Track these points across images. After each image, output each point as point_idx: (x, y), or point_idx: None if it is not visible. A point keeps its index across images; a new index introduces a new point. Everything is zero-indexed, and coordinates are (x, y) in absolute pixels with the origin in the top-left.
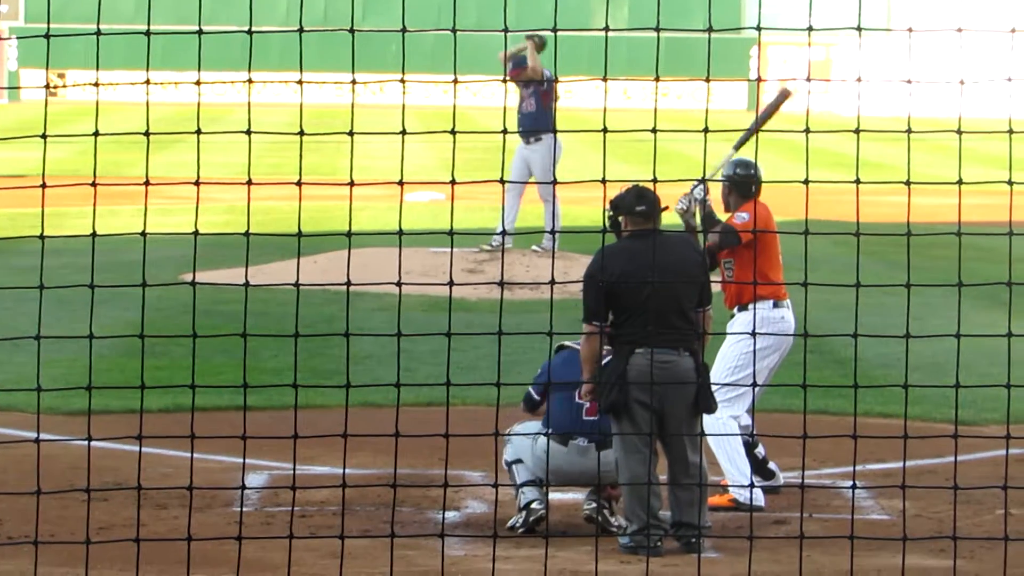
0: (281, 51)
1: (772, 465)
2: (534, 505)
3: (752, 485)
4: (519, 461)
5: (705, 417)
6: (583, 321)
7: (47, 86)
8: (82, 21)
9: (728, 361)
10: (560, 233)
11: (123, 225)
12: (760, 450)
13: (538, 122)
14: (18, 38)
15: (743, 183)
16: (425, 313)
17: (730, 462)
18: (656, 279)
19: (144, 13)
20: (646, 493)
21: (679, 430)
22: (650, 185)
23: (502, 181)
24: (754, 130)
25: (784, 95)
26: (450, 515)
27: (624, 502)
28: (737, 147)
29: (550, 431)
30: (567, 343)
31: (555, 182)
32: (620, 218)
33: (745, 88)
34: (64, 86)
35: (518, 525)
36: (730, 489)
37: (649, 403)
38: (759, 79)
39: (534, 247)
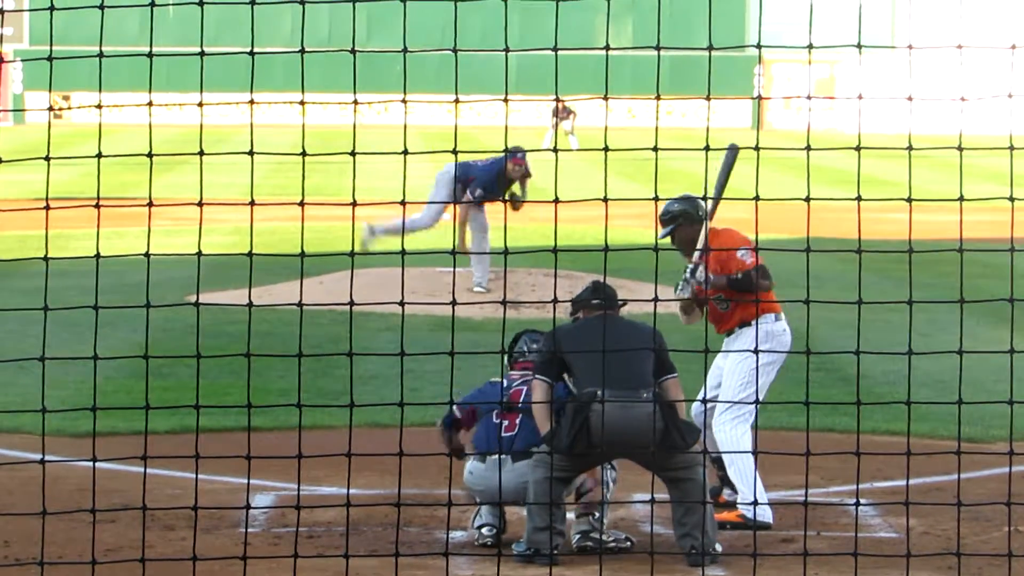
0: (285, 72)
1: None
2: (484, 530)
3: (756, 503)
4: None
5: (719, 433)
6: (533, 375)
7: (50, 108)
8: (87, 43)
9: (738, 377)
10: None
11: (129, 247)
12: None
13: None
14: (23, 60)
15: (687, 216)
16: (432, 333)
17: (740, 478)
18: (611, 341)
19: (151, 35)
20: (549, 508)
21: (660, 464)
22: (652, 203)
23: (504, 200)
24: (718, 197)
25: (734, 151)
26: (457, 535)
27: (527, 514)
28: (709, 217)
29: (474, 452)
30: (493, 379)
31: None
32: (580, 312)
33: (750, 106)
34: (69, 108)
35: (476, 542)
36: (738, 505)
37: (601, 448)
38: (759, 96)
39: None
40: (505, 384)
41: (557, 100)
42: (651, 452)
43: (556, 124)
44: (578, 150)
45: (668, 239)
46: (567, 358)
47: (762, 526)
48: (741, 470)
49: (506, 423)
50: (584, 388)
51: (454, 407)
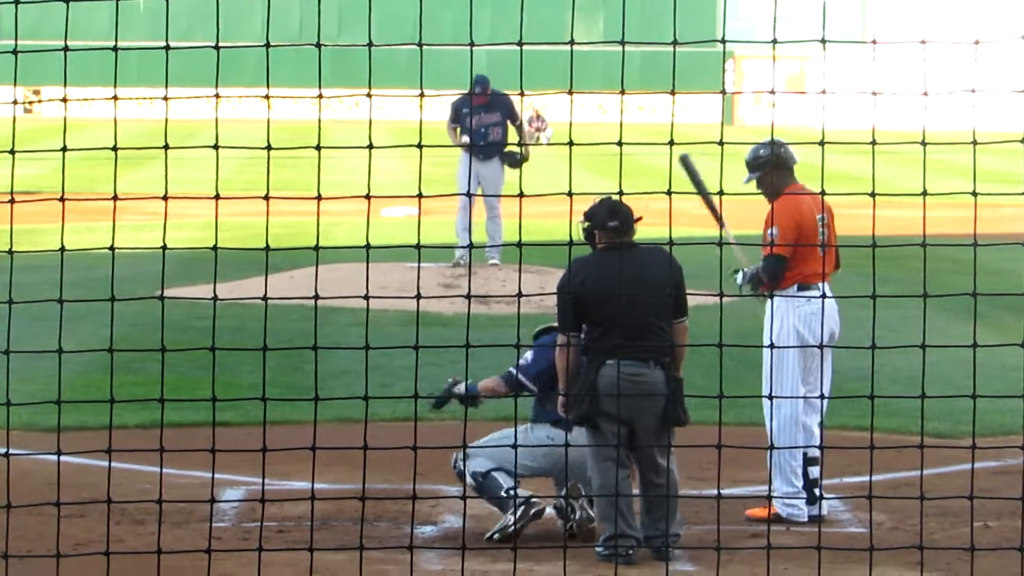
0: (257, 67)
1: (818, 492)
2: (533, 499)
3: (769, 498)
4: (497, 469)
5: (771, 421)
6: (558, 332)
7: (15, 102)
8: (58, 37)
9: (766, 366)
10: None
11: (99, 241)
12: (815, 470)
13: (500, 145)
14: None
15: (776, 164)
16: (402, 328)
17: (779, 472)
18: (625, 292)
19: (122, 29)
20: (618, 502)
21: (649, 441)
22: (617, 198)
23: (468, 194)
24: (711, 205)
25: (685, 161)
26: (428, 529)
27: (597, 511)
28: (722, 224)
29: (556, 420)
30: (551, 325)
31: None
32: (595, 231)
33: (720, 101)
34: (39, 101)
35: (510, 524)
36: (774, 503)
37: (617, 415)
38: (723, 91)
39: (492, 261)
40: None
41: (520, 95)
42: (658, 418)
43: (531, 133)
44: (548, 144)
45: (753, 183)
46: (585, 304)
47: (799, 522)
48: (779, 463)
49: None
50: (595, 340)
51: (520, 376)
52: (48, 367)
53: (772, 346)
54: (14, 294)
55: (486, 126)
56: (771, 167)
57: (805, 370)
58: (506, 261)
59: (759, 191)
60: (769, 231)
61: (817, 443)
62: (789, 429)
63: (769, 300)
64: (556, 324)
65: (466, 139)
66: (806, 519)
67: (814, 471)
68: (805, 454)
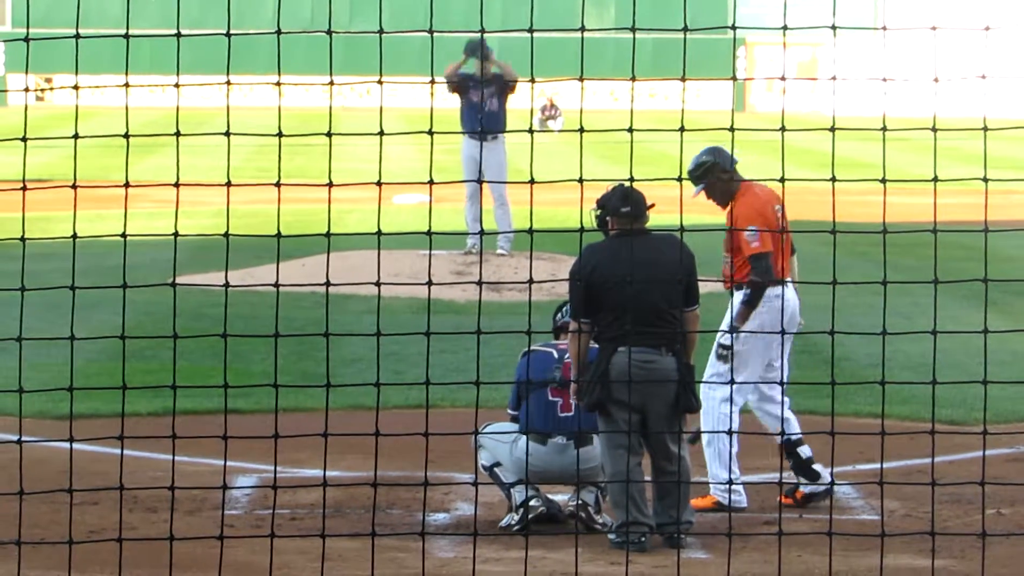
0: (269, 55)
1: (818, 466)
2: (532, 503)
3: (730, 483)
4: (498, 464)
5: (704, 401)
6: (570, 319)
7: (27, 90)
8: (70, 25)
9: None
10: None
11: (111, 229)
12: (805, 449)
13: (500, 121)
14: (4, 42)
15: (718, 167)
16: (414, 315)
17: (717, 458)
18: (637, 279)
19: (134, 17)
20: (630, 489)
21: (660, 428)
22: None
23: (479, 181)
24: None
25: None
26: (440, 517)
27: (610, 498)
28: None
29: (527, 431)
30: (535, 347)
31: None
32: (607, 218)
33: (731, 87)
34: (51, 89)
35: (513, 523)
36: (712, 490)
37: (629, 402)
38: (733, 78)
39: (500, 252)
40: (555, 356)
41: (530, 81)
42: (669, 405)
43: (543, 120)
44: (560, 131)
45: (702, 195)
46: (596, 290)
47: (737, 510)
48: (718, 449)
49: (561, 402)
50: (607, 326)
51: (510, 412)
52: (61, 354)
53: (783, 332)
54: (26, 282)
55: (487, 98)
56: (715, 173)
57: (768, 364)
58: (518, 248)
59: (710, 200)
60: (748, 233)
61: (797, 428)
62: (717, 413)
63: (737, 293)
64: (535, 347)
65: (465, 68)
66: (746, 504)
67: (805, 451)
68: (790, 437)
